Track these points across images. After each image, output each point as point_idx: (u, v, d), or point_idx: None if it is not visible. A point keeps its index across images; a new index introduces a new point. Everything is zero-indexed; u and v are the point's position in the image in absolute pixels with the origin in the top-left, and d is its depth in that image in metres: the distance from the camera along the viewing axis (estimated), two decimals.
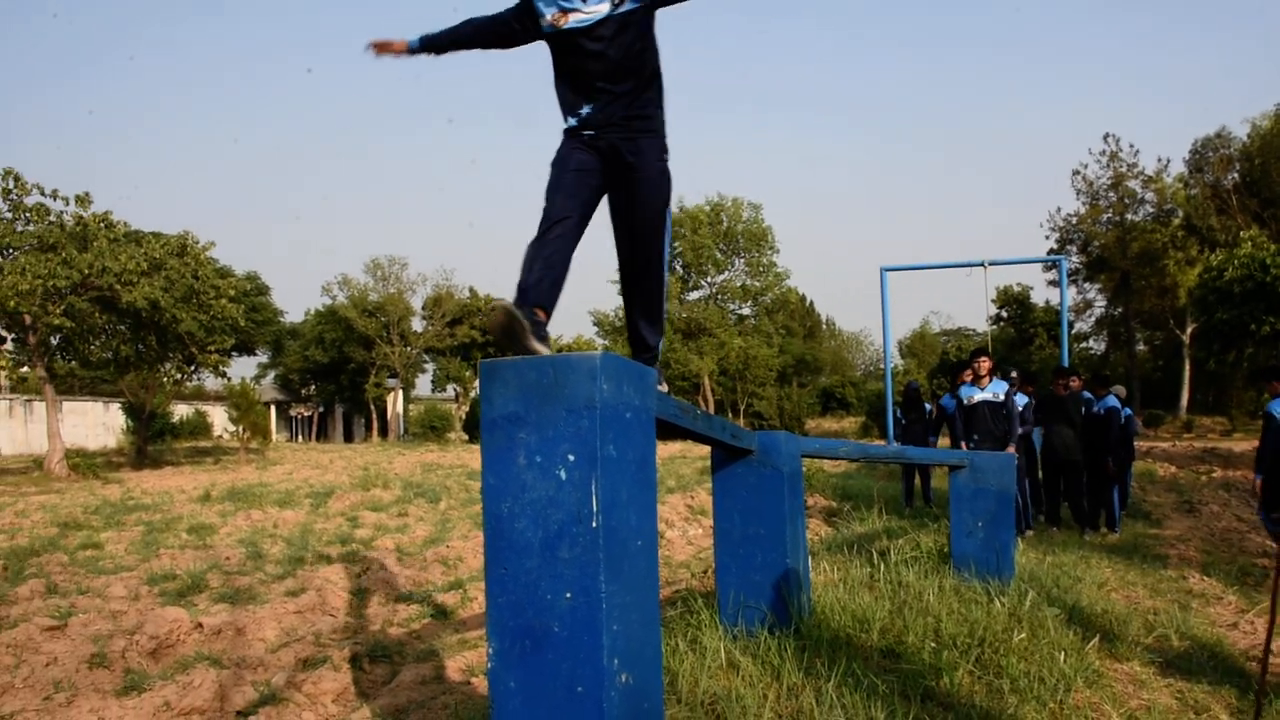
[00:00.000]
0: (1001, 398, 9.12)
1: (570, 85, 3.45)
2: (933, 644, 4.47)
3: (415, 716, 4.47)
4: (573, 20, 3.33)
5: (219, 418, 42.73)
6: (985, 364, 9.28)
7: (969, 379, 9.60)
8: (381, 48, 3.75)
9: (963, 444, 9.34)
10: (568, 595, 2.54)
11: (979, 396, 9.22)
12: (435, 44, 3.70)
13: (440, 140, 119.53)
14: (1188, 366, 44.13)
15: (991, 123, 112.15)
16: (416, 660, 5.60)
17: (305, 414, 60.31)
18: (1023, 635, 4.62)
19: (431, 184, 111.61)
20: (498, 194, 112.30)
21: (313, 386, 58.44)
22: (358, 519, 12.54)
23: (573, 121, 3.44)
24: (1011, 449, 8.89)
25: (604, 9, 3.31)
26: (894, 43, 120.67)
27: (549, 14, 3.39)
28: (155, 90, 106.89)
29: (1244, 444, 27.70)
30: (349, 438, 58.41)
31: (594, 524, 2.51)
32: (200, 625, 6.25)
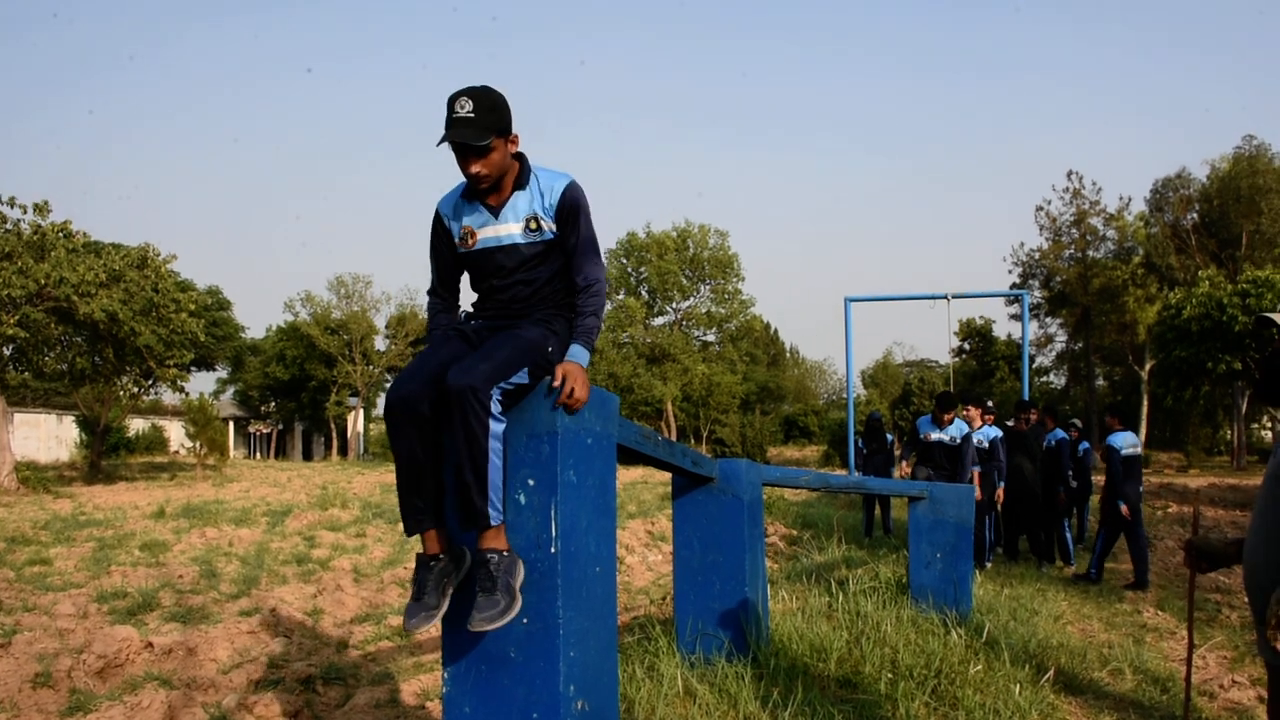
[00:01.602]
0: (958, 441, 9.21)
1: None
2: (889, 674, 4.49)
3: None
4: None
5: (176, 433, 42.15)
6: (951, 415, 9.41)
7: (937, 416, 9.58)
8: None
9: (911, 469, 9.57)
10: (524, 621, 2.53)
11: (935, 435, 9.31)
12: None
13: (410, 160, 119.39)
14: (1145, 402, 44.79)
15: (955, 157, 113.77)
16: (371, 683, 5.54)
17: (264, 431, 59.63)
18: (979, 667, 4.65)
19: (397, 203, 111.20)
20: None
21: (272, 403, 57.79)
22: (315, 538, 12.39)
23: None
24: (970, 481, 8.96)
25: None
26: (861, 74, 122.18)
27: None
28: (123, 103, 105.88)
29: (1199, 480, 28.13)
30: (308, 456, 57.81)
31: (552, 549, 2.51)
32: (150, 644, 6.13)
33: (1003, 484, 9.93)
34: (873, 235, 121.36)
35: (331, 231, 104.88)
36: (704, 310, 53.20)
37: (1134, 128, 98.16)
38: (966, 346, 53.83)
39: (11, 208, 23.18)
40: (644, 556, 10.81)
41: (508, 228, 2.81)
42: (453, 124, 2.61)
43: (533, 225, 2.80)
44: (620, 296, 51.71)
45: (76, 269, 22.58)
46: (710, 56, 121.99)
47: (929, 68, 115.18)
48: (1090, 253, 47.49)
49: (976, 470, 9.46)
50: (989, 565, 9.62)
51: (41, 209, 23.48)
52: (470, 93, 2.66)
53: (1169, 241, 44.95)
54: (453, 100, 2.63)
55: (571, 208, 2.81)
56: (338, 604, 8.03)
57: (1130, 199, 47.94)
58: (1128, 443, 9.39)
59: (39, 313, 22.88)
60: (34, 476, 24.41)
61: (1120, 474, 9.18)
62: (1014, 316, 50.64)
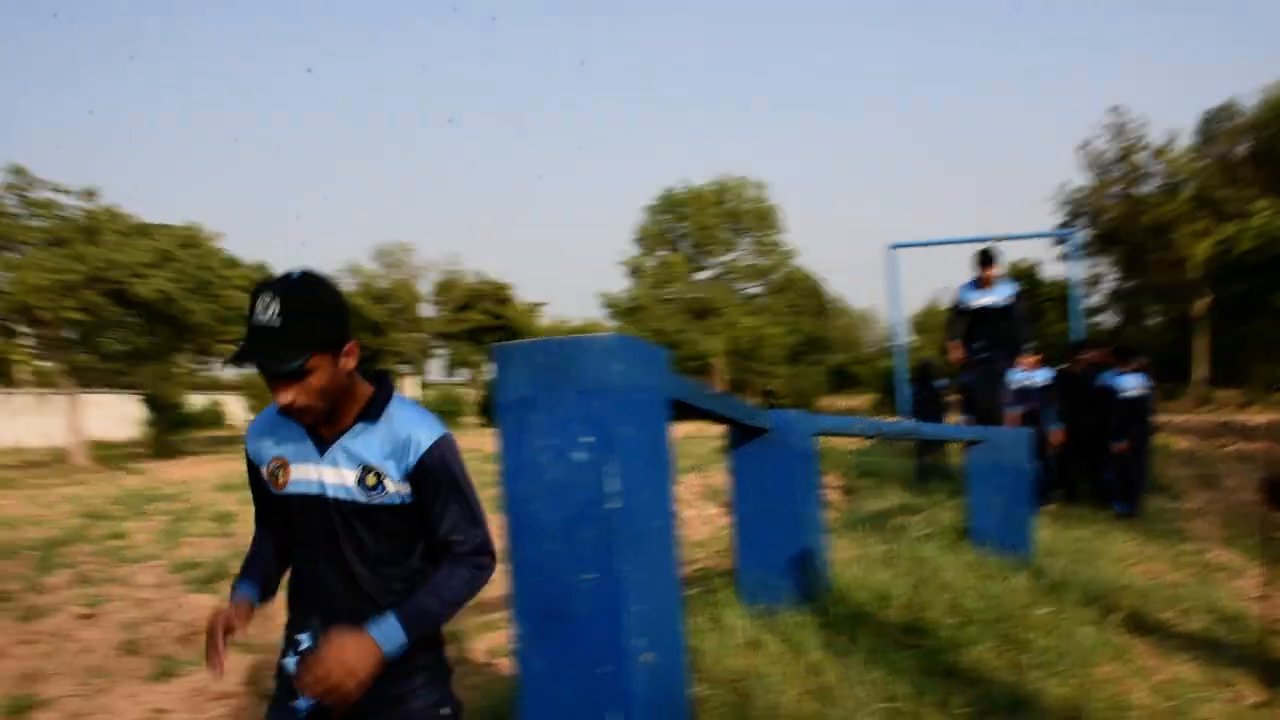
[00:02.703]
0: (1011, 300, 8.30)
1: None
2: (953, 620, 4.47)
3: None
4: None
5: (235, 407, 42.91)
6: (994, 269, 8.29)
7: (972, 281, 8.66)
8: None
9: (966, 357, 8.66)
10: (588, 576, 2.55)
11: (981, 300, 8.33)
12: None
13: (445, 128, 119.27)
14: (1202, 339, 43.75)
15: (997, 96, 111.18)
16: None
17: None
18: (1044, 610, 4.62)
19: (436, 172, 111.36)
20: (501, 181, 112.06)
21: None
22: None
23: None
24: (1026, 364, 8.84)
25: None
26: (901, 14, 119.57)
27: None
28: (159, 83, 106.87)
29: (1261, 416, 27.50)
30: None
31: (613, 504, 2.51)
32: None
33: (1056, 427, 9.64)
34: (914, 180, 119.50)
35: (371, 202, 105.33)
36: (746, 263, 52.83)
37: (1179, 60, 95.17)
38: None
39: (62, 195, 23.60)
40: (701, 510, 10.84)
41: (336, 473, 1.96)
42: (252, 335, 1.79)
43: (370, 480, 1.95)
44: (662, 253, 51.50)
45: (127, 251, 22.98)
46: (748, 11, 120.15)
47: (965, 9, 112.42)
48: (1137, 189, 46.27)
49: (1019, 410, 9.22)
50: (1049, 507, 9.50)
51: (89, 193, 23.88)
52: (279, 288, 1.80)
53: (1220, 174, 43.62)
54: (254, 298, 1.81)
55: (440, 473, 1.99)
56: None
57: (1179, 132, 46.38)
58: (1130, 384, 9.36)
59: (96, 296, 23.33)
60: (105, 454, 25.03)
61: (1121, 415, 9.24)
62: (1062, 257, 49.60)
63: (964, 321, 8.54)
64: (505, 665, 4.89)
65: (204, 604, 6.31)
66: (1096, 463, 10.00)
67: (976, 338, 8.37)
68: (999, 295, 8.21)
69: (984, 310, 8.24)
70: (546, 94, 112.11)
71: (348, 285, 52.49)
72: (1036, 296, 51.01)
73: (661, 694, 2.71)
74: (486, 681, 4.60)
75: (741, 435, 4.52)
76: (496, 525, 2.27)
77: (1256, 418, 26.53)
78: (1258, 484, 3.07)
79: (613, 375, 2.51)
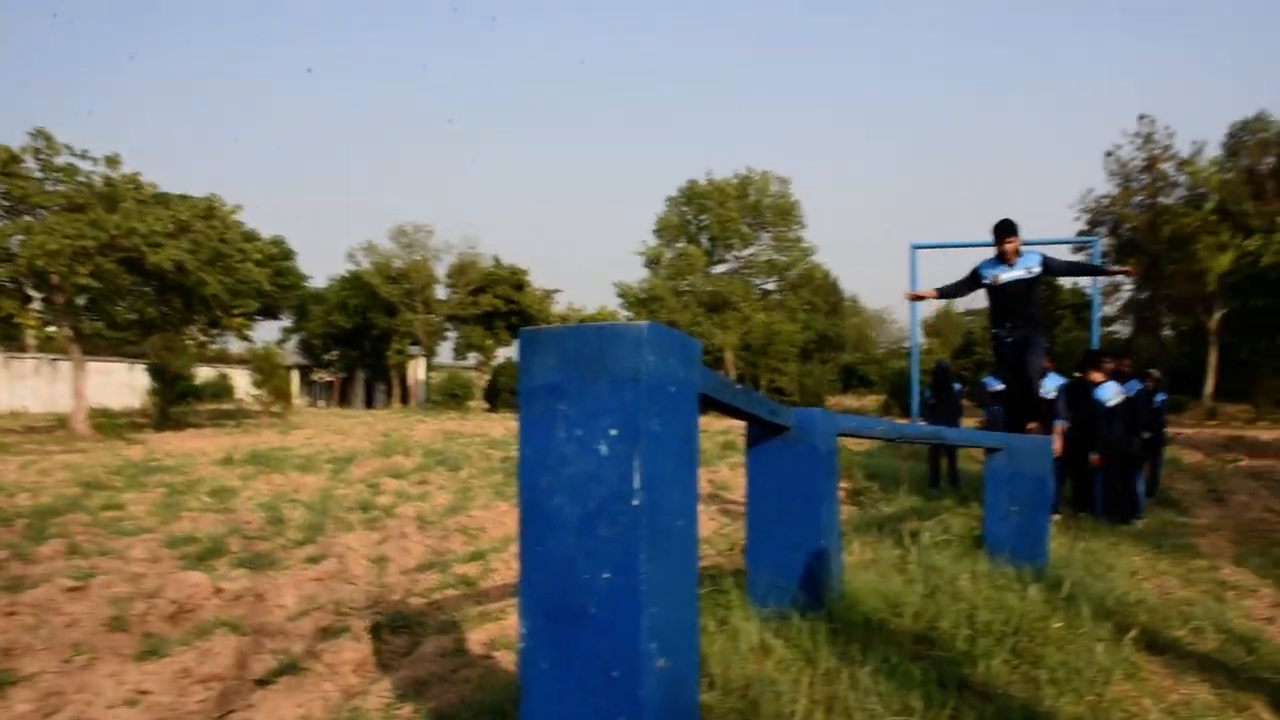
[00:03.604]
0: (1035, 271, 7.52)
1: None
2: (967, 631, 4.36)
3: (437, 690, 4.40)
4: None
5: (242, 381, 42.92)
6: (1014, 242, 7.52)
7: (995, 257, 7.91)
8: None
9: (995, 332, 8.03)
10: (606, 575, 2.44)
11: (1005, 275, 7.58)
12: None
13: (465, 108, 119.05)
14: (1214, 352, 43.52)
15: (1024, 101, 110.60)
16: (438, 632, 5.54)
17: (327, 379, 60.55)
18: (1059, 624, 4.50)
19: (457, 153, 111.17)
20: (520, 166, 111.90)
21: (335, 352, 58.60)
22: (379, 485, 12.52)
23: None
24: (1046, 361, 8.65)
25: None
26: (928, 15, 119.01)
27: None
28: (184, 56, 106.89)
29: (1270, 432, 27.34)
30: (370, 404, 58.61)
31: (635, 501, 2.40)
32: (220, 590, 6.22)
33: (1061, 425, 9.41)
34: (937, 182, 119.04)
35: (394, 181, 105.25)
36: (765, 258, 52.71)
37: (1208, 72, 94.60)
38: None
39: (84, 160, 23.57)
40: (706, 507, 10.74)
41: None
42: None
43: None
44: (681, 245, 51.40)
45: (145, 220, 22.94)
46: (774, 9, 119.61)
47: (996, 9, 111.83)
48: (1161, 199, 46.03)
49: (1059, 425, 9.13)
50: (1056, 517, 9.42)
51: (112, 161, 23.83)
52: None
53: (1244, 187, 43.36)
54: None
55: None
56: (402, 551, 8.08)
57: (1205, 144, 46.12)
58: (1112, 393, 9.42)
59: (110, 263, 23.29)
60: (107, 423, 25.02)
61: (1104, 424, 9.27)
62: None
63: (987, 299, 7.89)
64: (505, 659, 4.80)
65: (196, 582, 6.21)
66: (1082, 474, 9.95)
67: (1002, 318, 7.68)
68: (1023, 269, 7.48)
69: (1007, 287, 7.51)
70: (573, 85, 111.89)
71: (363, 265, 52.51)
72: (1053, 303, 50.87)
73: (673, 701, 2.60)
74: (483, 675, 4.50)
75: (762, 432, 4.40)
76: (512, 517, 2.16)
77: (1265, 434, 26.37)
78: None
79: (647, 366, 2.39)
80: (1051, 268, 7.62)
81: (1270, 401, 44.88)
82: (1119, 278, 50.44)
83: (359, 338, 54.93)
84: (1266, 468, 17.23)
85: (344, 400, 59.69)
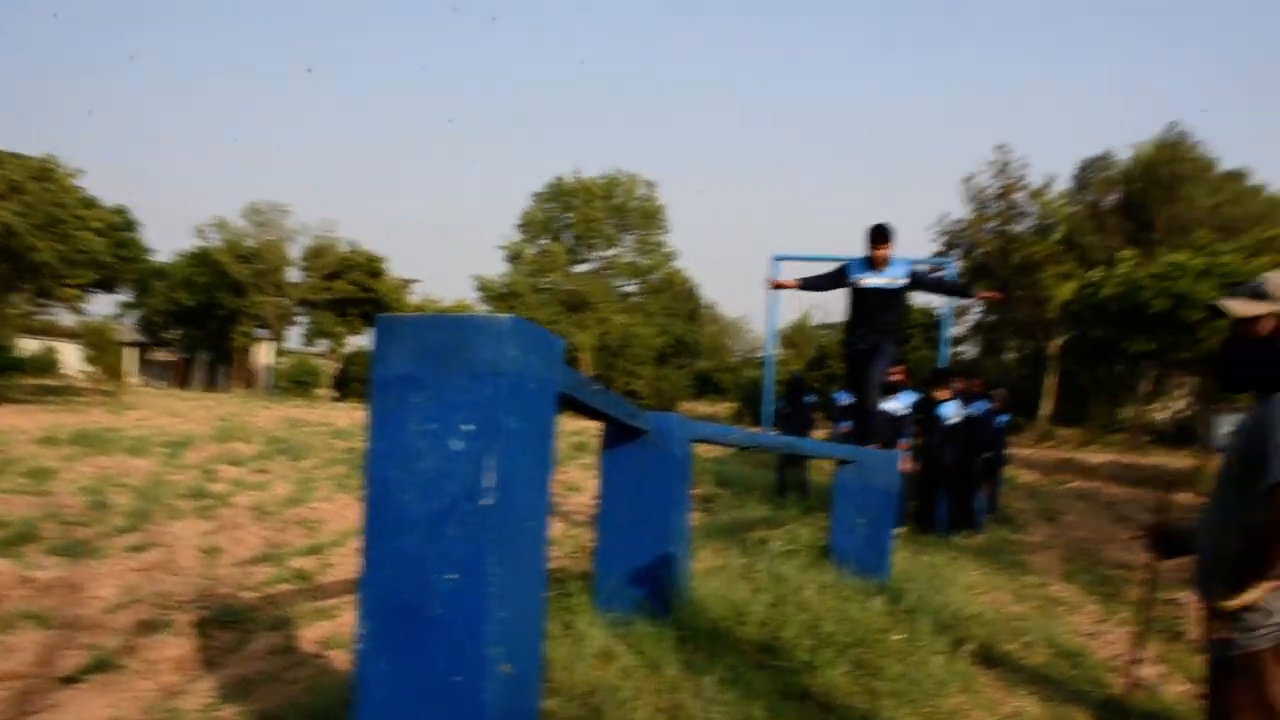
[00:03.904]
0: (899, 283, 7.34)
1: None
2: (811, 641, 4.40)
3: (264, 689, 4.18)
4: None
5: (71, 356, 40.59)
6: (886, 249, 7.25)
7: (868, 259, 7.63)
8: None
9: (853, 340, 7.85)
10: (452, 576, 2.33)
11: (872, 281, 7.33)
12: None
13: (334, 87, 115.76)
14: (1052, 377, 46.02)
15: (884, 121, 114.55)
16: (269, 628, 5.28)
17: (167, 359, 57.82)
18: (900, 636, 4.60)
19: (321, 131, 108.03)
20: (394, 146, 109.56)
21: (177, 331, 55.96)
22: (215, 472, 11.93)
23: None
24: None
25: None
26: (797, 37, 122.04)
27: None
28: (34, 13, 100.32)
29: (1099, 456, 28.97)
30: (212, 386, 56.24)
31: (488, 501, 2.30)
32: (28, 579, 5.77)
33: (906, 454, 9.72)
34: (797, 194, 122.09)
35: (251, 157, 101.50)
36: (627, 260, 52.98)
37: (1064, 107, 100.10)
38: None
39: None
40: (556, 506, 10.65)
41: None
42: None
43: None
44: (544, 241, 51.21)
45: None
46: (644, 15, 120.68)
47: (862, 32, 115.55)
48: (1012, 227, 48.36)
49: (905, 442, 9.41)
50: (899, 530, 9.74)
51: None
52: None
53: (1089, 221, 46.07)
54: None
55: None
56: (236, 542, 7.72)
57: (1055, 177, 48.80)
58: (952, 411, 9.78)
59: None
60: None
61: (938, 440, 9.63)
62: None
63: (847, 301, 7.69)
64: (339, 659, 4.60)
65: (2, 569, 5.76)
66: (952, 488, 10.32)
67: (857, 323, 7.46)
68: (887, 278, 7.24)
69: (869, 293, 7.29)
70: (454, 78, 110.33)
71: (213, 241, 50.33)
72: (906, 323, 52.78)
73: (514, 707, 2.51)
74: (315, 675, 4.31)
75: (619, 435, 4.35)
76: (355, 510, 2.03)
77: (1095, 457, 27.93)
78: (1144, 529, 3.08)
79: (508, 360, 2.30)
80: (919, 282, 7.55)
81: (1100, 426, 47.73)
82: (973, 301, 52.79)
83: (204, 317, 52.53)
84: (1095, 489, 18.25)
85: (184, 382, 57.10)
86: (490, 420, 2.28)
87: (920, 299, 54.80)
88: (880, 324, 7.36)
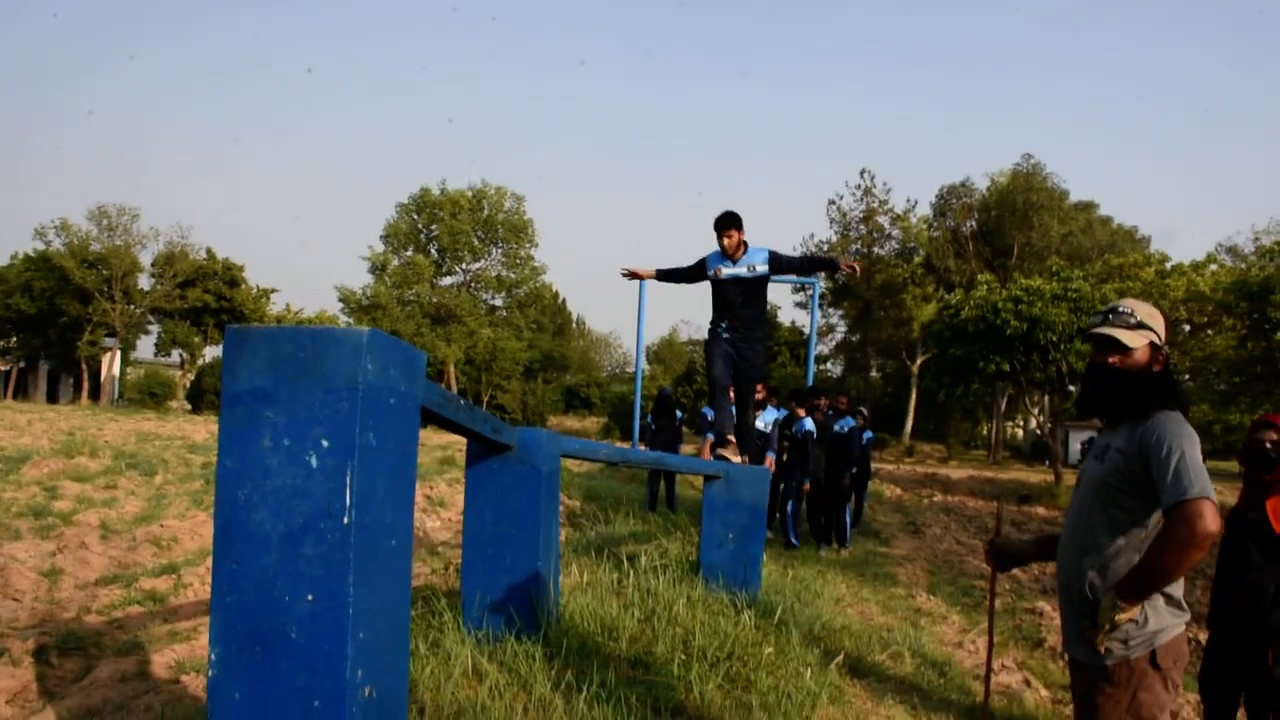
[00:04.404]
0: (758, 270, 6.95)
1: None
2: (683, 655, 4.40)
3: (112, 719, 3.94)
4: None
5: None
6: (734, 236, 6.89)
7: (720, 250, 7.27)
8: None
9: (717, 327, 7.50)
10: (309, 597, 2.24)
11: (728, 270, 6.99)
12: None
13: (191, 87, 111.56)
14: (914, 395, 47.66)
15: (755, 141, 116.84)
16: (117, 653, 5.01)
17: (2, 368, 54.55)
18: (770, 649, 4.64)
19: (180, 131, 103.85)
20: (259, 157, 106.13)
21: (14, 338, 52.81)
22: (57, 489, 11.29)
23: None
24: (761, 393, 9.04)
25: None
26: (674, 59, 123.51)
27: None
28: None
29: (959, 471, 30.17)
30: (54, 398, 53.27)
31: (346, 519, 2.22)
32: None
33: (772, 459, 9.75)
34: (664, 208, 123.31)
35: (94, 154, 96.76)
36: (494, 274, 52.62)
37: (927, 133, 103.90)
38: None
39: None
40: (422, 523, 10.44)
41: None
42: None
43: None
44: (409, 253, 50.42)
45: None
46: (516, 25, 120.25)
47: (742, 55, 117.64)
48: (875, 249, 49.94)
49: (770, 456, 9.53)
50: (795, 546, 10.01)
51: None
52: None
53: (949, 245, 47.98)
54: None
55: None
56: (81, 563, 7.31)
57: (916, 202, 50.79)
58: (805, 427, 10.32)
59: None
60: None
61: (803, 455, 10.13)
62: (800, 305, 52.70)
63: (713, 292, 7.35)
64: (194, 684, 4.38)
65: None
66: (818, 503, 10.57)
67: (720, 314, 7.14)
68: (744, 267, 6.89)
69: (730, 284, 6.95)
70: (307, 86, 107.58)
71: (54, 244, 47.69)
72: (772, 340, 53.86)
73: None
74: (167, 702, 4.09)
75: (484, 450, 4.27)
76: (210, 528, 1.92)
77: (956, 472, 29.04)
78: (986, 546, 3.21)
79: (366, 374, 2.22)
80: (780, 264, 7.02)
81: (960, 443, 49.65)
82: (833, 319, 54.15)
83: (44, 324, 49.67)
84: (957, 503, 18.95)
85: (21, 393, 53.95)
86: (347, 436, 2.19)
87: (785, 318, 56.30)
88: (743, 317, 7.01)
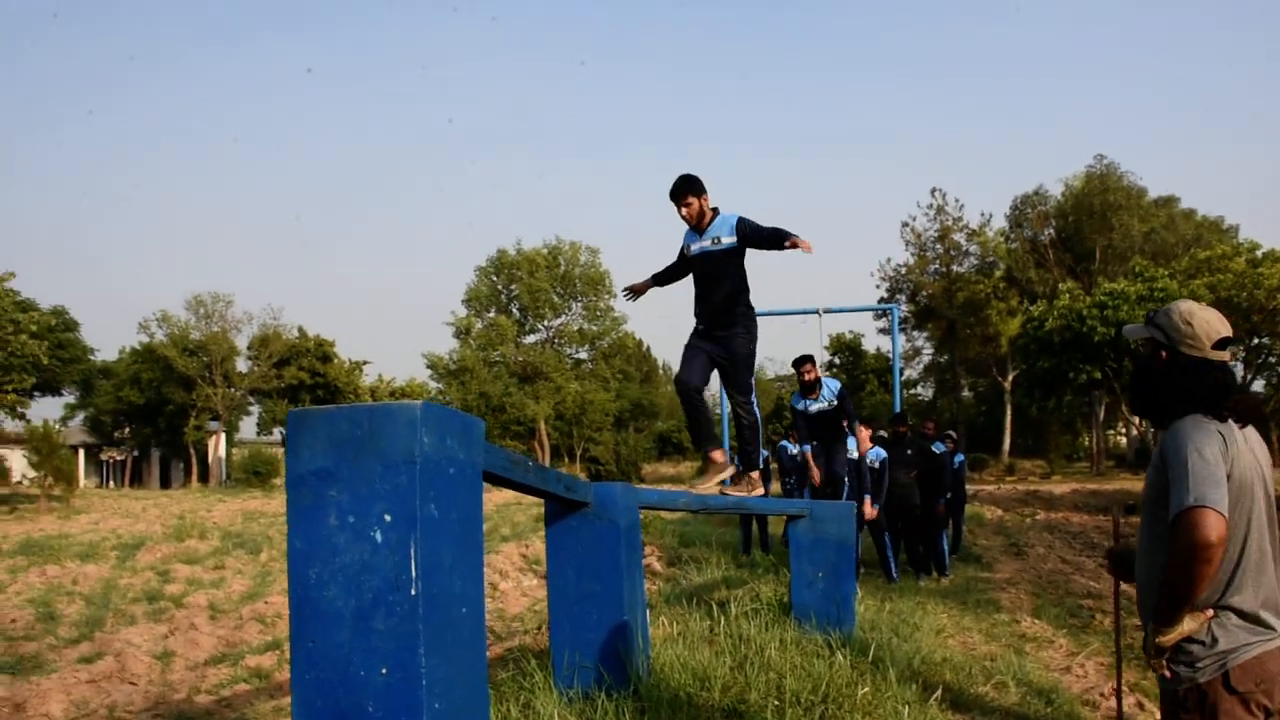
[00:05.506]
0: (724, 243, 5.88)
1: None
2: (776, 701, 4.33)
3: None
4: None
5: (18, 463, 39.70)
6: (694, 203, 5.90)
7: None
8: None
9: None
10: (383, 671, 2.27)
11: (696, 246, 5.96)
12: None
13: (269, 168, 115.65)
14: (1009, 412, 46.55)
15: (823, 173, 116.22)
16: None
17: (118, 458, 56.75)
18: (866, 689, 4.54)
19: (260, 223, 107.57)
20: (334, 232, 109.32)
21: (127, 429, 54.99)
22: (169, 573, 11.67)
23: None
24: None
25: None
26: (734, 89, 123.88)
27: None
28: None
29: (1063, 486, 29.22)
30: (166, 484, 55.23)
31: (413, 591, 2.25)
32: None
33: (877, 505, 9.80)
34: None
35: (188, 248, 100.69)
36: (576, 328, 53.16)
37: (992, 147, 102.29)
38: (837, 360, 55.01)
39: None
40: (519, 582, 10.52)
41: None
42: None
43: None
44: (491, 315, 51.27)
45: None
46: (572, 75, 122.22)
47: (801, 87, 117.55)
48: (954, 267, 49.22)
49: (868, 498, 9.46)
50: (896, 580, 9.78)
51: None
52: None
53: (1028, 256, 47.04)
54: None
55: None
56: (191, 644, 7.52)
57: (991, 215, 49.91)
58: (876, 456, 10.07)
59: None
60: None
61: (867, 483, 9.78)
62: (882, 330, 52.14)
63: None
64: None
65: None
66: (914, 532, 10.35)
67: (697, 300, 6.12)
68: (710, 239, 5.93)
69: (699, 261, 6.00)
70: (388, 153, 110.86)
71: (157, 336, 49.70)
72: (859, 368, 53.27)
73: None
74: None
75: (560, 509, 4.29)
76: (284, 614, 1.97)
77: (1058, 488, 28.17)
78: (1106, 555, 3.10)
79: (422, 447, 2.27)
80: (748, 233, 5.91)
81: (1061, 456, 48.30)
82: (919, 341, 53.24)
83: (153, 413, 51.72)
84: (1061, 519, 18.36)
85: (137, 481, 56.02)
86: (409, 508, 2.24)
87: (869, 345, 55.54)
88: (717, 301, 5.94)
